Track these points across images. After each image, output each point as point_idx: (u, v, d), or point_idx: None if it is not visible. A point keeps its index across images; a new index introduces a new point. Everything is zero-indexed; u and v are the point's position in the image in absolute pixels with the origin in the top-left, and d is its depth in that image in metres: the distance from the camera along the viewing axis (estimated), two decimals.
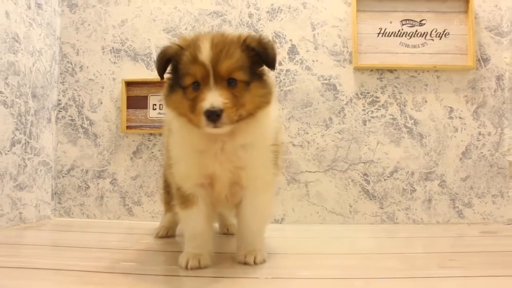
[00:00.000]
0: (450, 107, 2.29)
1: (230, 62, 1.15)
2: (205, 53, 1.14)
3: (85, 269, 1.29)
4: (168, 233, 1.83)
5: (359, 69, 2.30)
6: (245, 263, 1.34)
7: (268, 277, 1.25)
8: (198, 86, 1.15)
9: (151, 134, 2.34)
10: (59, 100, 2.41)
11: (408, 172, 2.27)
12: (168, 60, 1.23)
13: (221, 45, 1.16)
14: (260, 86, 1.21)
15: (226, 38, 1.20)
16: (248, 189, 1.31)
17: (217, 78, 1.14)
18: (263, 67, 1.24)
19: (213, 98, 1.10)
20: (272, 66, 1.23)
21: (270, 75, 1.29)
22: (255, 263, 1.34)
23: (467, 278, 1.24)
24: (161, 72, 1.25)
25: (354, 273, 1.31)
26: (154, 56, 2.36)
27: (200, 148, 1.23)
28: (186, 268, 1.28)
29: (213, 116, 1.10)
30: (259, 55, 1.21)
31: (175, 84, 1.21)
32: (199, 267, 1.29)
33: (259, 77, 1.22)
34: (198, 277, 1.22)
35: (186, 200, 1.32)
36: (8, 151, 2.02)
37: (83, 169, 2.38)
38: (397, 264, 1.42)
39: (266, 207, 1.38)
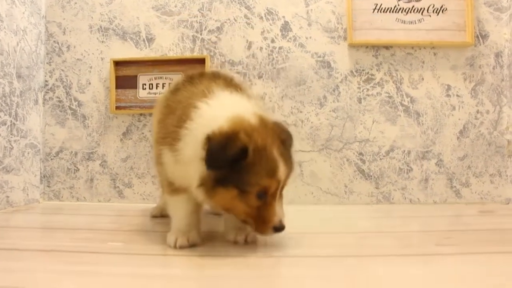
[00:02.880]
0: (448, 85, 2.24)
1: (292, 174, 1.16)
2: (282, 171, 1.09)
3: (72, 250, 1.25)
4: (162, 213, 1.79)
5: (354, 46, 2.24)
6: (235, 242, 1.30)
7: (258, 256, 1.21)
8: (265, 196, 1.10)
9: (141, 114, 2.28)
10: (46, 81, 2.34)
11: (404, 151, 2.22)
12: (232, 160, 1.05)
13: (285, 155, 1.12)
14: None
15: (285, 145, 1.15)
16: None
17: (281, 190, 1.15)
18: None
19: (281, 215, 1.14)
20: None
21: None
22: (246, 242, 1.29)
23: (464, 255, 1.20)
24: (219, 165, 1.06)
25: (348, 251, 1.27)
26: (143, 35, 2.30)
27: None
28: (175, 246, 1.23)
29: (280, 231, 1.13)
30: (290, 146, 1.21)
31: (228, 181, 1.07)
32: (188, 245, 1.24)
33: None
34: (186, 256, 1.18)
35: (176, 189, 1.27)
36: None
37: (72, 151, 2.32)
38: (393, 242, 1.38)
39: None
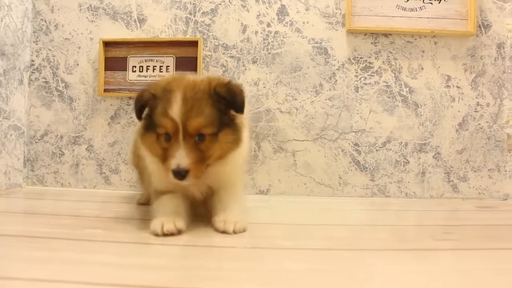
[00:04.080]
0: (448, 76, 2.17)
1: (199, 120, 1.17)
2: (175, 109, 1.17)
3: (48, 236, 1.17)
4: (149, 201, 1.71)
5: (352, 33, 2.16)
6: (224, 232, 1.22)
7: (246, 247, 1.13)
8: (170, 138, 1.19)
9: (130, 98, 2.20)
10: (32, 61, 2.25)
11: (401, 143, 2.15)
12: (143, 105, 1.26)
13: (191, 101, 1.18)
14: (228, 133, 1.24)
15: (198, 91, 1.21)
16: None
17: (186, 135, 1.17)
18: (231, 110, 1.26)
19: (180, 158, 1.15)
20: (241, 111, 1.26)
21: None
22: (234, 232, 1.22)
23: (462, 250, 1.13)
24: (138, 115, 1.28)
25: (342, 243, 1.20)
26: (135, 15, 2.21)
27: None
28: (162, 232, 1.15)
29: (179, 175, 1.16)
30: (228, 102, 1.23)
31: (150, 126, 1.24)
32: (176, 231, 1.17)
33: (228, 122, 1.25)
34: (170, 245, 1.10)
35: (161, 192, 1.33)
36: None
37: (57, 135, 2.24)
38: (389, 235, 1.32)
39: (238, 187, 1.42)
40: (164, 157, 1.21)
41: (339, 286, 0.83)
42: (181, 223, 1.20)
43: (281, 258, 1.03)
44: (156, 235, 1.16)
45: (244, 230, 1.24)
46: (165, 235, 1.16)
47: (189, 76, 1.30)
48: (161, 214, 1.23)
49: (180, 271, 0.90)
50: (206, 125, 1.19)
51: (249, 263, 0.98)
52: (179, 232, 1.19)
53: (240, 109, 1.25)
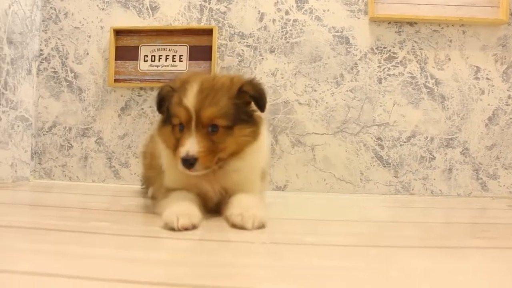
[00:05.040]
0: (477, 67, 2.04)
1: (213, 110, 1.17)
2: (190, 98, 1.17)
3: (50, 228, 1.08)
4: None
5: (375, 21, 2.05)
6: (241, 227, 1.10)
7: (265, 242, 1.02)
8: (183, 128, 1.19)
9: (141, 88, 2.11)
10: (41, 50, 2.17)
11: (427, 137, 2.03)
12: (162, 99, 1.29)
13: (207, 90, 1.18)
14: (245, 127, 1.23)
15: (216, 83, 1.21)
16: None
17: (199, 124, 1.16)
18: (250, 105, 1.26)
19: (190, 145, 1.15)
20: (264, 109, 1.26)
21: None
22: (252, 227, 1.10)
23: (495, 249, 1.02)
24: (159, 108, 1.32)
25: (367, 240, 1.09)
26: (147, 3, 2.12)
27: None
28: (177, 227, 1.05)
29: (187, 163, 1.14)
30: (254, 101, 1.24)
31: (167, 119, 1.26)
32: (191, 227, 1.06)
33: (245, 118, 1.24)
34: (182, 240, 1.00)
35: (173, 190, 1.28)
36: None
37: (66, 127, 2.15)
38: (417, 233, 1.22)
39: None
40: (176, 148, 1.20)
41: (372, 284, 0.72)
42: (196, 219, 1.10)
43: (304, 254, 0.92)
44: (171, 229, 1.05)
45: (263, 226, 1.13)
46: (178, 230, 1.06)
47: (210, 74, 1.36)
48: (176, 207, 1.12)
49: (192, 267, 0.80)
50: (220, 116, 1.17)
51: (269, 259, 0.87)
52: (194, 227, 1.08)
53: (263, 107, 1.25)
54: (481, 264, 0.88)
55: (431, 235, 1.21)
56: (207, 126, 1.17)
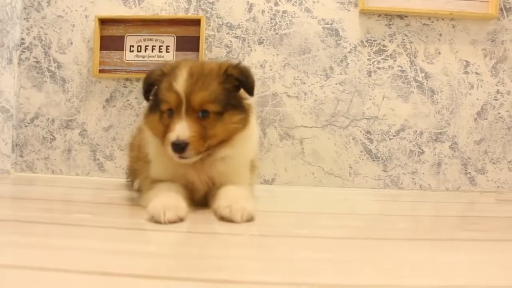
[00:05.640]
0: (466, 61, 2.03)
1: (203, 94, 1.15)
2: (180, 83, 1.15)
3: (30, 220, 1.04)
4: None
5: (365, 13, 2.02)
6: (230, 220, 1.07)
7: (254, 234, 1.00)
8: (172, 113, 1.17)
9: (127, 79, 2.06)
10: (23, 39, 2.11)
11: (416, 131, 2.02)
12: (151, 83, 1.26)
13: (197, 75, 1.17)
14: (235, 113, 1.21)
15: (205, 68, 1.20)
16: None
17: (189, 109, 1.15)
18: (239, 93, 1.24)
19: (180, 130, 1.12)
20: (252, 92, 1.24)
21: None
22: (241, 219, 1.07)
23: (485, 242, 1.01)
24: (145, 94, 1.28)
25: (360, 233, 1.08)
26: None
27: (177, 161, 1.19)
28: (164, 220, 1.01)
29: (178, 148, 1.12)
30: (240, 83, 1.22)
31: (155, 106, 1.23)
32: (177, 220, 1.02)
33: (235, 104, 1.22)
34: (167, 231, 0.96)
35: (159, 181, 1.25)
36: None
37: (48, 118, 2.10)
38: (408, 225, 1.21)
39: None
40: (165, 134, 1.16)
41: (368, 276, 0.70)
42: (182, 211, 1.06)
43: (296, 246, 0.89)
44: (158, 222, 1.01)
45: (252, 219, 1.09)
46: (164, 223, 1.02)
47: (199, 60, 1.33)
48: (162, 200, 1.08)
49: (178, 259, 0.77)
50: (211, 101, 1.16)
51: (259, 252, 0.85)
52: (181, 220, 1.04)
53: (251, 90, 1.24)
54: (472, 256, 0.87)
55: (422, 228, 1.20)
56: (198, 111, 1.15)
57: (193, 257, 0.78)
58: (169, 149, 1.12)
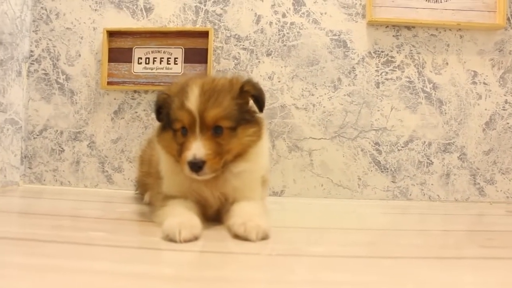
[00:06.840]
0: (474, 71, 2.03)
1: (216, 111, 1.15)
2: (192, 101, 1.15)
3: (42, 239, 1.03)
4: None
5: (373, 25, 2.02)
6: (245, 238, 1.06)
7: (271, 253, 0.99)
8: (186, 132, 1.17)
9: (135, 91, 2.06)
10: (31, 51, 2.11)
11: (424, 142, 2.01)
12: (160, 107, 1.27)
13: (209, 92, 1.17)
14: (247, 127, 1.22)
15: (216, 85, 1.20)
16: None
17: (203, 126, 1.15)
18: (250, 106, 1.25)
19: (197, 149, 1.12)
20: (263, 108, 1.26)
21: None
22: (256, 238, 1.06)
23: (506, 260, 0.99)
24: (157, 116, 1.29)
25: (374, 251, 1.07)
26: (141, 4, 2.07)
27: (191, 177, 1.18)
28: (179, 239, 1.00)
29: (195, 167, 1.12)
30: (255, 100, 1.24)
31: (167, 125, 1.23)
32: (192, 239, 1.03)
33: (247, 118, 1.23)
34: (182, 251, 0.96)
35: (171, 197, 1.25)
36: None
37: (57, 130, 2.10)
38: (424, 242, 1.20)
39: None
40: (180, 153, 1.17)
41: None
42: (197, 229, 1.06)
43: (313, 267, 0.89)
44: (173, 240, 1.01)
45: (267, 237, 1.09)
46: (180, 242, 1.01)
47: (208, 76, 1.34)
48: (177, 218, 1.08)
49: (195, 282, 0.77)
50: (224, 117, 1.16)
51: (277, 273, 0.84)
52: (196, 239, 1.04)
53: (263, 107, 1.25)
54: (497, 276, 0.85)
55: (437, 244, 1.19)
56: (211, 128, 1.15)
57: (209, 280, 0.78)
58: (186, 169, 1.13)
